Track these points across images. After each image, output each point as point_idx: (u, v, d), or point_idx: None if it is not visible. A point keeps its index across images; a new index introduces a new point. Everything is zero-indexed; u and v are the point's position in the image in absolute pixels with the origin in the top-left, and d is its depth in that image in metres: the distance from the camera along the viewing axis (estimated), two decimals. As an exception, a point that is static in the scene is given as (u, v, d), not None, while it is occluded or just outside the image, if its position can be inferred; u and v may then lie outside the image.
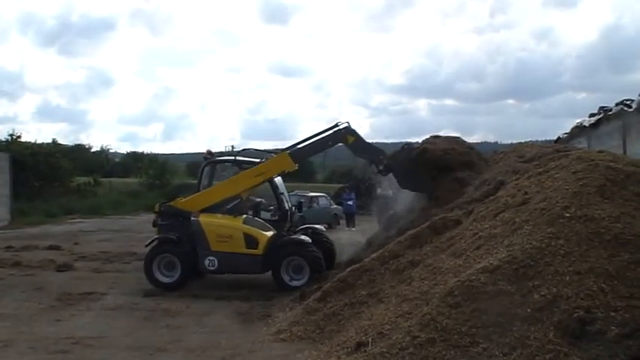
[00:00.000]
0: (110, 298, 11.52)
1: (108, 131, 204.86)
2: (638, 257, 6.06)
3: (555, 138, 20.00)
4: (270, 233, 12.55)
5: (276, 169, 12.85)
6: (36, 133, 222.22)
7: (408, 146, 12.81)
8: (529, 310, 5.74)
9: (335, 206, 31.55)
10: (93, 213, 34.06)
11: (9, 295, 11.63)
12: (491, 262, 6.54)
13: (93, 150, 79.15)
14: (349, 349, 6.62)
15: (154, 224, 13.28)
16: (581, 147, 12.89)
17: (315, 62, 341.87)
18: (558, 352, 5.23)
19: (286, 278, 12.06)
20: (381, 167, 12.67)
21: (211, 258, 12.28)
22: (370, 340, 6.48)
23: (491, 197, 9.09)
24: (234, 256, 12.24)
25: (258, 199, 13.92)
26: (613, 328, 5.28)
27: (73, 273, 14.41)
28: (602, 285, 5.78)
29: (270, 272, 12.41)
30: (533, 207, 7.48)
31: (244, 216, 12.63)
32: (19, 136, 38.79)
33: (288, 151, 12.84)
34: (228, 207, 12.66)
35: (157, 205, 13.44)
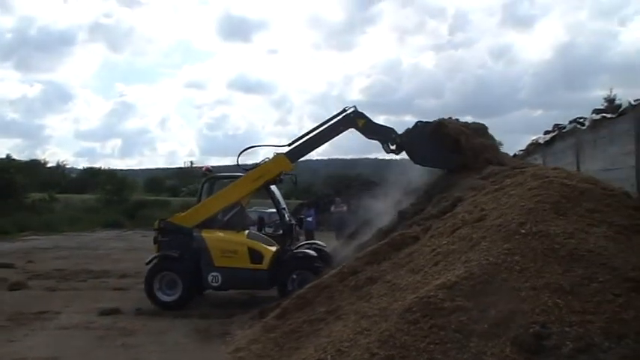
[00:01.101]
0: (65, 317, 11.30)
1: (65, 147, 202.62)
2: (591, 273, 6.18)
3: (512, 155, 20.31)
4: (274, 248, 12.49)
5: (273, 170, 12.72)
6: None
7: (421, 123, 12.66)
8: (486, 326, 5.79)
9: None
10: (48, 230, 33.42)
11: (-41, 315, 11.31)
12: (449, 278, 6.59)
13: (49, 165, 77.87)
14: (308, 367, 6.60)
15: (155, 241, 12.97)
16: (537, 163, 13.09)
17: (276, 78, 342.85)
18: (515, 367, 5.29)
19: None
20: (393, 146, 12.58)
21: (215, 274, 12.14)
22: (329, 357, 6.45)
23: (449, 213, 9.17)
24: (239, 272, 12.11)
25: (261, 214, 13.86)
26: (568, 342, 5.35)
27: (26, 292, 14.11)
28: (557, 300, 5.86)
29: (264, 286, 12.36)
30: (489, 223, 7.57)
31: (248, 231, 12.54)
32: (-29, 153, 37.94)
33: (286, 152, 12.72)
34: (229, 216, 12.57)
35: (157, 221, 13.17)
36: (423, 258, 7.88)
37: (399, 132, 12.63)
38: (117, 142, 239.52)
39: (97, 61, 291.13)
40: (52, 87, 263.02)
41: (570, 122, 12.53)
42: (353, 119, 12.57)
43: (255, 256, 12.14)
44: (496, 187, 9.08)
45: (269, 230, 13.26)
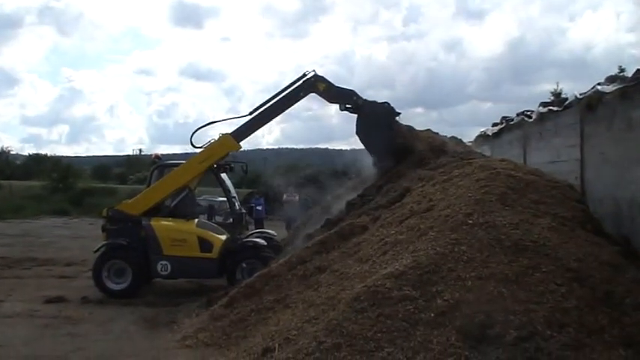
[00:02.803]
0: (8, 306, 11.03)
1: (10, 132, 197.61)
2: (535, 263, 6.32)
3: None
4: (224, 237, 12.39)
5: (220, 152, 12.58)
6: None
7: (388, 105, 12.48)
8: (432, 315, 5.86)
9: (244, 211, 31.37)
10: (-10, 216, 32.65)
11: None
12: (396, 267, 6.64)
13: (-7, 152, 75.98)
14: (255, 355, 6.58)
15: (103, 229, 12.76)
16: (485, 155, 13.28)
17: (228, 66, 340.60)
18: (460, 355, 5.36)
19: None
20: (349, 105, 12.42)
21: (164, 263, 12.00)
22: (277, 345, 6.46)
23: (398, 204, 9.25)
24: (188, 261, 11.99)
25: (211, 203, 13.71)
26: (511, 331, 5.45)
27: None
28: (502, 290, 5.98)
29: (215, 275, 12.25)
30: (437, 214, 7.67)
31: (197, 220, 12.42)
32: None
33: (230, 133, 12.53)
34: (177, 201, 12.44)
35: (105, 209, 12.93)
36: (371, 247, 7.93)
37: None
38: (64, 129, 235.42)
39: (45, 45, 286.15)
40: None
41: (518, 115, 12.74)
42: (314, 83, 12.39)
43: (205, 245, 12.06)
44: (444, 177, 9.18)
45: (219, 219, 13.16)
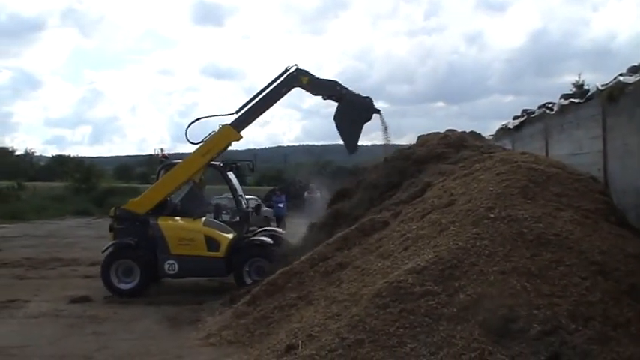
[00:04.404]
0: (34, 306, 11.15)
1: (34, 134, 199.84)
2: (558, 256, 6.28)
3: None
4: (230, 235, 12.40)
5: (221, 143, 12.58)
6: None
7: (370, 100, 12.64)
8: (455, 310, 5.85)
9: (265, 209, 31.43)
10: (16, 218, 32.98)
11: None
12: (418, 262, 6.63)
13: (17, 154, 76.81)
14: (279, 352, 6.60)
15: (111, 229, 12.86)
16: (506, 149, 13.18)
17: (248, 64, 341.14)
18: (483, 350, 5.35)
19: (248, 280, 11.81)
20: (333, 96, 12.49)
21: (171, 262, 12.02)
22: (300, 342, 6.47)
23: (419, 199, 9.21)
24: (195, 259, 12.00)
25: (217, 201, 13.76)
26: (535, 325, 5.43)
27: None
28: (525, 284, 5.95)
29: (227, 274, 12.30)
30: (458, 208, 7.63)
31: (204, 218, 12.47)
32: (-63, 141, 37.44)
33: (229, 123, 12.55)
34: (183, 196, 12.53)
35: (113, 209, 13.04)
36: (393, 243, 7.91)
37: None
38: (87, 130, 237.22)
39: (67, 48, 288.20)
40: (20, 73, 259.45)
41: (539, 107, 12.62)
42: (296, 77, 12.44)
43: (212, 243, 12.09)
44: (465, 172, 9.12)
45: (226, 217, 13.17)
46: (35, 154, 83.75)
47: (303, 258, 9.08)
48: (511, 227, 6.80)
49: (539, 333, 5.33)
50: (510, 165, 8.30)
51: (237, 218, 13.12)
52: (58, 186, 48.27)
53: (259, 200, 32.62)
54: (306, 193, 26.30)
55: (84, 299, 11.56)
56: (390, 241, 8.07)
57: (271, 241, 12.52)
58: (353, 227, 9.34)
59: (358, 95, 12.56)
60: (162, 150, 13.92)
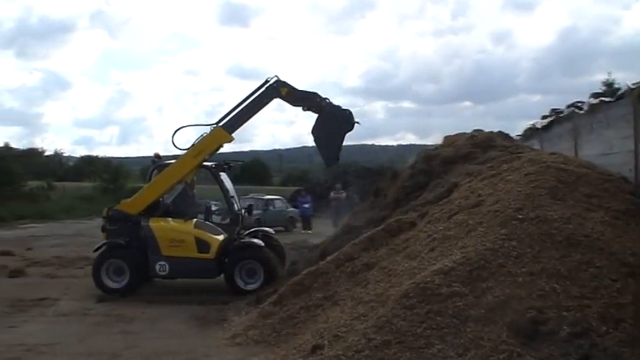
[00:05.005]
0: (63, 304, 11.28)
1: (63, 135, 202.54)
2: (588, 258, 6.20)
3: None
4: (221, 237, 12.39)
5: (213, 144, 12.57)
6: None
7: (350, 113, 12.55)
8: (483, 311, 5.80)
9: (291, 209, 31.48)
10: (45, 218, 33.37)
11: (-41, 302, 11.33)
12: (445, 263, 6.59)
13: (46, 154, 77.81)
14: (305, 352, 6.60)
15: (103, 229, 12.95)
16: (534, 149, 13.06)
17: (273, 64, 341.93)
18: (512, 352, 5.29)
19: (240, 282, 11.91)
20: (313, 108, 12.42)
21: (162, 263, 12.06)
22: (326, 343, 6.46)
23: (445, 199, 9.15)
24: (185, 261, 12.04)
25: (209, 203, 13.74)
26: (565, 327, 5.36)
27: (25, 279, 14.07)
28: (555, 285, 5.88)
29: (221, 277, 12.27)
30: (486, 209, 7.57)
31: (195, 220, 12.49)
32: (-29, 141, 38.13)
33: (220, 124, 12.55)
34: (174, 197, 12.59)
35: (105, 209, 13.12)
36: (420, 244, 7.87)
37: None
38: (114, 130, 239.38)
39: (95, 49, 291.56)
40: (50, 75, 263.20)
41: (568, 107, 12.51)
42: (276, 89, 12.40)
43: (202, 245, 12.08)
44: (493, 172, 9.05)
45: (217, 219, 13.14)
46: (64, 155, 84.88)
47: (329, 258, 9.08)
48: (540, 228, 6.73)
49: (568, 335, 5.26)
50: (539, 165, 8.22)
51: (228, 220, 13.07)
52: (86, 186, 48.86)
53: (285, 200, 32.76)
54: (332, 193, 26.27)
55: (112, 298, 11.66)
56: (417, 241, 8.02)
57: (262, 243, 12.50)
58: (379, 228, 9.31)
59: (338, 107, 12.53)
60: (156, 154, 13.72)
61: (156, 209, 12.58)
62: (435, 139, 13.25)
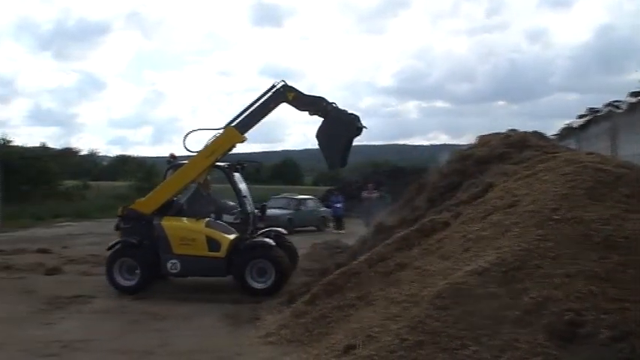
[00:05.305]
0: (99, 302, 11.46)
1: (98, 135, 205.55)
2: (628, 259, 6.06)
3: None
4: (232, 236, 12.49)
5: (225, 144, 12.67)
6: (27, 137, 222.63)
7: (355, 117, 12.52)
8: (518, 313, 5.71)
9: (323, 209, 31.50)
10: (81, 216, 33.88)
11: (-1, 299, 11.55)
12: (480, 264, 6.51)
13: (82, 154, 78.95)
14: (338, 352, 6.57)
15: (117, 228, 13.22)
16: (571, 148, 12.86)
17: (307, 64, 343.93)
18: (548, 355, 5.20)
19: (250, 281, 12.02)
20: (319, 112, 12.41)
21: (174, 261, 12.25)
22: (359, 342, 6.43)
23: (480, 199, 9.06)
24: (196, 259, 12.20)
25: (222, 202, 13.79)
26: (603, 330, 5.25)
27: (62, 276, 14.32)
28: (592, 287, 5.76)
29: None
30: (522, 209, 7.46)
31: (207, 219, 12.59)
32: (10, 141, 38.82)
33: (232, 125, 12.63)
34: (187, 197, 12.79)
35: (120, 208, 13.33)
36: (454, 244, 7.80)
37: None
38: (148, 130, 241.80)
39: (130, 50, 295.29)
40: (86, 76, 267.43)
41: (606, 106, 12.29)
42: (283, 93, 12.44)
43: (213, 244, 12.19)
44: (528, 172, 8.93)
45: (229, 218, 13.17)
46: (99, 154, 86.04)
47: (362, 258, 9.05)
48: (577, 229, 6.61)
49: (607, 339, 5.15)
50: (576, 165, 8.08)
51: (239, 220, 13.07)
52: (120, 185, 49.40)
53: (317, 200, 32.78)
54: (364, 193, 26.19)
55: (146, 296, 11.79)
56: (451, 242, 7.95)
57: (273, 243, 12.57)
58: (413, 228, 9.25)
59: (343, 112, 12.48)
60: (171, 154, 13.81)
61: (169, 209, 12.76)
62: (468, 139, 13.10)
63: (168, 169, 13.65)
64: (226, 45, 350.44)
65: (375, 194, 25.46)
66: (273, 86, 12.54)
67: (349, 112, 12.50)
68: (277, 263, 12.05)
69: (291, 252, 13.79)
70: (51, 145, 67.01)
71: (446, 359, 5.54)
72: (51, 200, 36.33)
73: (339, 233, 26.16)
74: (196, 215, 12.57)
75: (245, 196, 13.25)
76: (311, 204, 31.11)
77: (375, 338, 6.34)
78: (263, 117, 12.70)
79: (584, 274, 5.93)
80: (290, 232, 26.80)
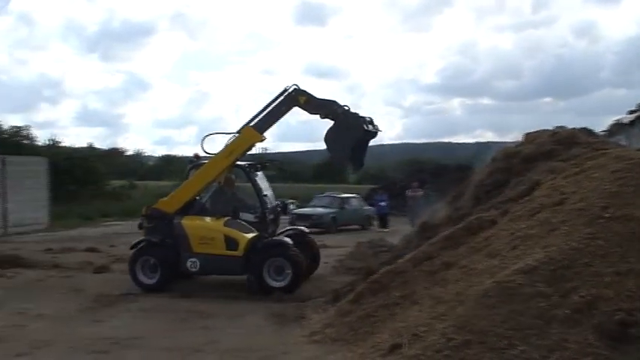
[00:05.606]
0: (146, 300, 11.62)
1: (143, 135, 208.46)
2: (680, 258, 5.94)
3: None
4: (251, 235, 12.56)
5: (244, 144, 12.73)
6: (75, 137, 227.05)
7: (364, 119, 12.46)
8: (567, 312, 5.63)
9: (367, 207, 31.42)
10: (128, 215, 34.37)
11: (49, 297, 11.82)
12: (528, 262, 6.43)
13: (128, 154, 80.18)
14: (384, 351, 6.57)
15: (140, 227, 13.49)
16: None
17: (350, 63, 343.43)
18: (598, 355, 5.14)
19: (268, 280, 12.08)
20: (330, 115, 12.32)
21: (193, 260, 12.41)
22: (405, 342, 6.41)
23: (527, 197, 8.95)
24: (215, 258, 12.33)
25: (245, 201, 13.83)
26: (656, 330, 5.16)
27: (110, 275, 14.58)
28: (644, 286, 5.66)
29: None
30: (570, 207, 7.35)
31: (227, 218, 12.67)
32: (58, 142, 39.68)
33: (250, 125, 12.64)
34: (209, 196, 12.99)
35: (144, 208, 13.57)
36: (501, 242, 7.70)
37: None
38: (193, 130, 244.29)
39: (175, 51, 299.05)
40: (131, 76, 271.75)
41: (657, 101, 12.02)
42: (294, 97, 12.41)
43: (231, 242, 12.28)
44: (577, 169, 8.78)
45: (250, 217, 13.19)
46: (144, 154, 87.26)
47: (407, 257, 9.02)
48: (627, 227, 6.49)
49: (659, 339, 5.06)
50: (626, 162, 7.91)
51: (258, 218, 13.08)
52: (166, 185, 49.92)
53: (361, 199, 32.69)
54: (408, 192, 26.06)
55: (194, 294, 11.93)
56: (498, 240, 7.86)
57: (290, 242, 12.61)
58: (458, 226, 9.18)
59: (354, 115, 12.41)
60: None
61: (192, 208, 12.94)
62: (514, 137, 12.95)
63: (190, 169, 13.84)
64: (270, 44, 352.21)
65: (420, 193, 25.31)
66: (285, 90, 12.57)
67: (361, 115, 12.48)
68: (294, 262, 12.12)
69: (313, 251, 13.94)
70: (98, 145, 68.33)
71: (493, 359, 5.49)
72: (98, 200, 36.99)
73: (383, 232, 26.07)
74: (218, 214, 12.73)
75: (265, 195, 13.36)
76: (355, 202, 31.05)
77: (421, 337, 6.32)
78: (277, 120, 12.79)
79: (634, 273, 5.83)
80: (334, 231, 27.11)
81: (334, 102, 12.44)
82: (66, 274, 14.57)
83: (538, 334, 5.55)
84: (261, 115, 12.69)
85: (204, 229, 12.58)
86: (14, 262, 15.53)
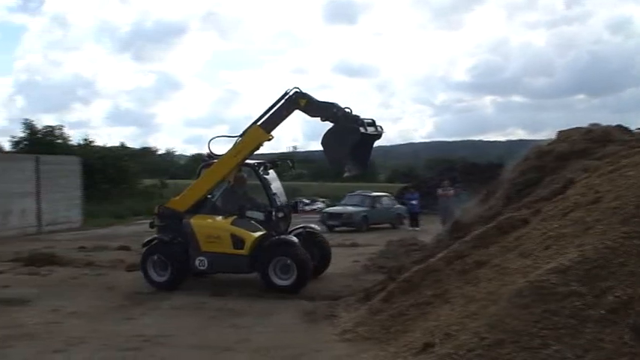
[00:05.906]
0: (177, 298, 11.72)
1: (174, 134, 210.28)
2: None
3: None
4: (258, 234, 12.63)
5: (252, 143, 12.80)
6: (106, 137, 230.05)
7: (364, 122, 12.30)
8: (602, 312, 5.55)
9: (398, 206, 31.36)
10: (159, 214, 34.68)
11: (82, 294, 12.04)
12: (561, 262, 6.35)
13: (159, 153, 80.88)
14: (416, 350, 6.56)
15: (151, 225, 13.70)
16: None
17: (380, 61, 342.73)
18: (634, 355, 5.05)
19: (274, 278, 12.15)
20: (330, 118, 12.29)
21: (201, 258, 12.55)
22: (437, 340, 6.40)
23: (560, 196, 8.86)
24: (222, 257, 12.47)
25: (255, 200, 13.85)
26: (694, 331, 5.07)
27: (141, 273, 14.70)
28: (682, 286, 5.57)
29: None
30: (604, 206, 7.25)
31: (234, 217, 12.74)
32: (91, 141, 40.18)
33: (257, 124, 12.72)
34: (219, 195, 13.01)
35: (156, 206, 13.79)
36: (533, 242, 7.64)
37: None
38: (223, 129, 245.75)
39: (206, 50, 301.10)
40: (163, 76, 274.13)
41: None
42: (295, 100, 12.43)
43: (237, 241, 12.38)
44: (611, 168, 8.66)
45: (259, 216, 13.19)
46: (175, 153, 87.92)
47: (439, 255, 8.98)
48: (664, 226, 6.39)
49: (696, 339, 4.98)
50: (662, 160, 7.82)
51: (263, 217, 13.10)
52: (197, 184, 50.30)
53: (392, 197, 32.62)
54: (439, 190, 25.94)
55: (224, 293, 11.99)
56: (530, 239, 7.79)
57: (296, 241, 12.65)
58: (490, 225, 9.12)
59: (354, 117, 12.31)
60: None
61: (203, 207, 13.08)
62: (546, 135, 12.81)
63: (201, 168, 13.98)
64: (300, 43, 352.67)
65: (451, 191, 25.19)
66: (286, 93, 12.63)
67: (362, 117, 12.40)
68: (299, 261, 12.14)
69: (323, 250, 13.99)
70: (129, 144, 69.00)
71: (527, 358, 5.44)
72: (130, 199, 37.39)
73: (415, 230, 26.04)
74: (229, 213, 12.84)
75: (275, 194, 13.39)
76: (386, 201, 31.04)
77: (453, 336, 6.30)
78: (281, 122, 12.85)
79: (672, 273, 5.73)
80: (365, 229, 27.13)
81: (334, 105, 12.43)
82: (98, 272, 14.85)
83: (572, 333, 5.48)
84: (265, 117, 12.78)
85: (212, 228, 12.73)
86: (48, 260, 15.85)
